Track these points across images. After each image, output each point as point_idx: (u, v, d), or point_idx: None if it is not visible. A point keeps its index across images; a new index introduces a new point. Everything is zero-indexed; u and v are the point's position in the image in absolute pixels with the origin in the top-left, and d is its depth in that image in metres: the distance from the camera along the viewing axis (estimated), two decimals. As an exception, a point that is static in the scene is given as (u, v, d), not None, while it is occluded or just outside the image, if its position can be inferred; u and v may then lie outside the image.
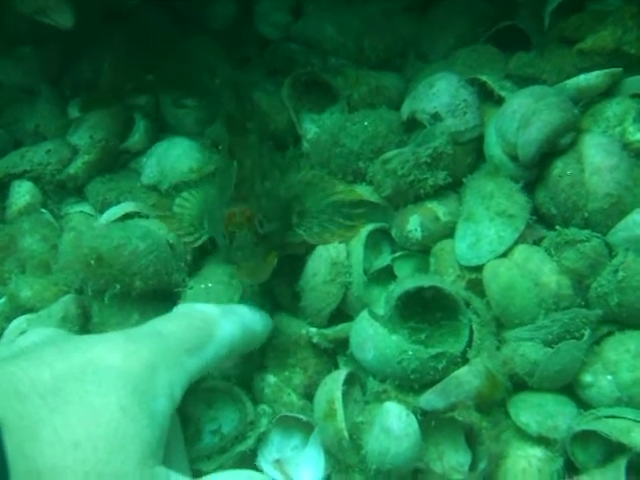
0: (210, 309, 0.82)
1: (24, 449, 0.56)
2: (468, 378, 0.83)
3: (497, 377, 0.85)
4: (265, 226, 0.86)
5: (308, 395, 0.96)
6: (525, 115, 0.92)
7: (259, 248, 0.85)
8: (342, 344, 0.96)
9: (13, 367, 0.62)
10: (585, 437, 0.82)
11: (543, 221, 0.95)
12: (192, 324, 0.78)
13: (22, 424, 0.57)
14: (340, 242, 0.97)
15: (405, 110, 1.04)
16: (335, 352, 0.98)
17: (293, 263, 1.00)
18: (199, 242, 0.99)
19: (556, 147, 0.92)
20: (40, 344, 0.73)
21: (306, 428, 0.93)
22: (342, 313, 0.98)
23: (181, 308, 0.84)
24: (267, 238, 0.87)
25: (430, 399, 0.84)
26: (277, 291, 1.01)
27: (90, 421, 0.60)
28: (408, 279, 0.90)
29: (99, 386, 0.63)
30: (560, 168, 0.92)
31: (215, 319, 0.81)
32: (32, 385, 0.60)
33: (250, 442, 0.91)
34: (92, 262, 0.90)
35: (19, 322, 0.98)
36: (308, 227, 0.97)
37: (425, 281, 0.88)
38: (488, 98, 1.03)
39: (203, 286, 0.96)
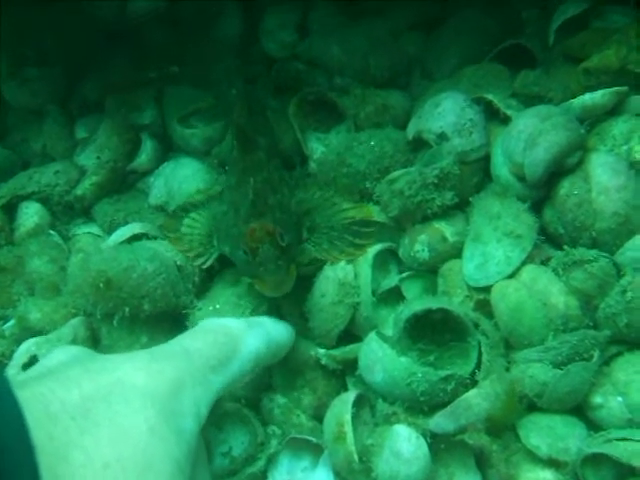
0: (234, 323, 0.82)
1: (56, 471, 0.56)
2: (477, 400, 0.84)
3: (507, 399, 0.84)
4: (285, 238, 0.87)
5: (317, 416, 0.96)
6: (532, 135, 0.92)
7: (281, 261, 0.86)
8: (350, 365, 0.96)
9: (42, 388, 0.61)
10: (596, 459, 0.82)
11: (550, 240, 0.95)
12: (217, 340, 0.78)
13: (53, 446, 0.57)
14: (347, 261, 0.96)
15: (411, 130, 1.04)
16: (344, 373, 0.98)
17: (301, 283, 1.00)
18: (210, 262, 0.99)
19: (563, 167, 0.92)
20: (67, 363, 0.73)
21: (316, 450, 0.93)
22: (350, 334, 0.98)
23: (206, 323, 0.83)
24: (287, 250, 0.87)
25: (440, 422, 0.84)
26: (285, 311, 1.01)
27: (119, 442, 0.60)
28: (416, 301, 0.90)
29: (127, 406, 0.63)
30: (567, 188, 0.92)
31: (239, 334, 0.80)
32: (62, 406, 0.60)
33: (260, 463, 0.92)
34: (101, 285, 0.90)
35: (28, 345, 0.97)
36: (317, 242, 0.98)
37: (433, 303, 0.88)
38: (494, 117, 1.03)
39: (211, 308, 0.97)
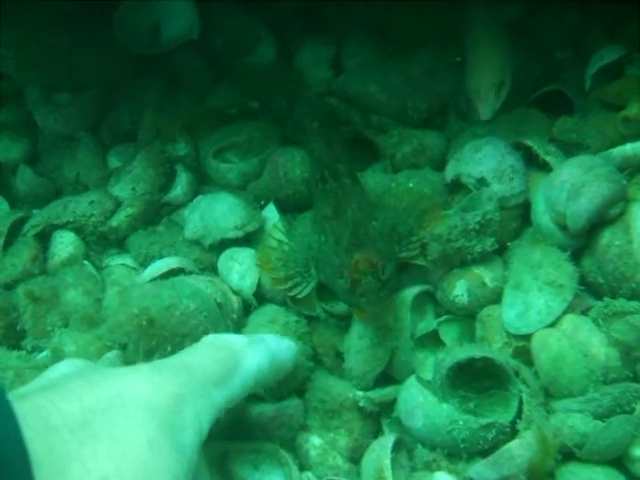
0: (237, 339, 0.82)
1: None
2: (520, 451, 0.84)
3: (548, 450, 0.85)
4: (386, 270, 0.87)
5: (353, 458, 0.96)
6: (575, 186, 0.93)
7: (383, 293, 0.87)
8: (387, 406, 0.97)
9: (43, 400, 0.61)
10: (638, 515, 0.82)
11: (589, 289, 0.96)
12: (219, 356, 0.78)
13: (52, 458, 0.56)
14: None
15: (449, 172, 1.05)
16: (379, 414, 0.98)
17: (337, 323, 1.01)
18: (307, 291, 0.99)
19: (605, 218, 0.93)
20: (69, 375, 0.73)
21: (351, 492, 0.93)
22: (386, 375, 0.98)
23: (208, 339, 0.83)
24: (388, 282, 0.88)
25: (482, 471, 0.85)
26: (321, 351, 1.01)
27: (118, 456, 0.60)
28: (458, 349, 0.91)
29: (126, 419, 0.63)
30: (607, 238, 0.93)
31: (242, 350, 0.80)
32: (62, 418, 0.60)
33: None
34: (144, 323, 0.90)
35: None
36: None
37: (477, 351, 0.88)
38: (532, 161, 1.04)
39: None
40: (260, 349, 0.82)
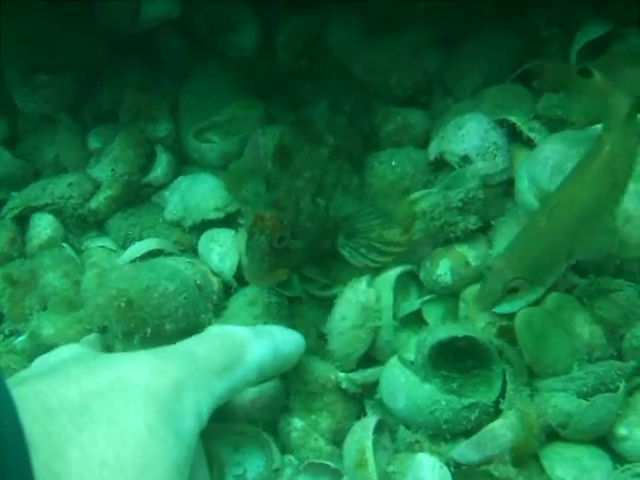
0: (242, 331, 0.82)
1: (52, 468, 0.55)
2: (503, 431, 0.83)
3: (532, 430, 0.83)
4: (285, 242, 0.87)
5: (335, 441, 0.94)
6: (558, 162, 0.92)
7: (268, 259, 0.86)
8: (370, 388, 0.95)
9: (41, 385, 0.61)
10: (623, 495, 0.81)
11: (573, 267, 0.94)
12: (223, 346, 0.78)
13: (50, 442, 0.56)
14: (368, 284, 0.95)
15: (433, 150, 1.04)
16: (362, 396, 0.97)
17: (319, 304, 0.99)
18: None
19: (589, 194, 0.91)
20: (68, 361, 0.73)
21: (334, 475, 0.92)
22: (369, 357, 0.97)
23: (213, 329, 0.83)
24: (283, 254, 0.87)
25: (464, 452, 0.84)
26: (302, 332, 0.99)
27: (117, 440, 0.60)
28: (440, 328, 0.89)
29: (126, 404, 0.63)
30: (592, 215, 0.91)
31: (246, 342, 0.80)
32: (60, 402, 0.60)
33: (272, 488, 0.90)
34: (122, 305, 0.89)
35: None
36: (354, 248, 0.96)
37: (459, 331, 0.87)
38: (516, 138, 1.02)
39: (228, 327, 0.95)
40: (265, 342, 0.82)
